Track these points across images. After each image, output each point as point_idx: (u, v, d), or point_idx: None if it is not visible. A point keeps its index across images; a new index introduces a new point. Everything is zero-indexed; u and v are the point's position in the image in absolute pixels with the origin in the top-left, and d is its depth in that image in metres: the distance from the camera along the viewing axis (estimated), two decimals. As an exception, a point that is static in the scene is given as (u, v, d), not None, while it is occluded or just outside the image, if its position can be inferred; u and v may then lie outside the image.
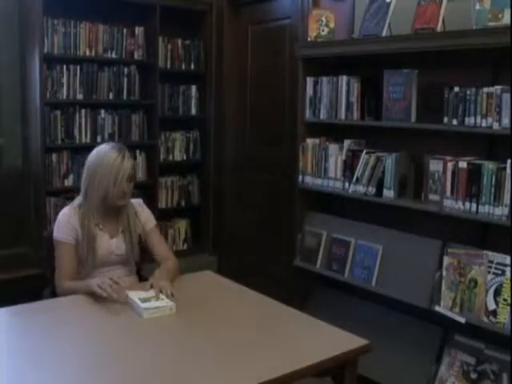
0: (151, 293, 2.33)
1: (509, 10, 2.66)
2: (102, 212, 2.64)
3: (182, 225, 5.07)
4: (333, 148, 3.54)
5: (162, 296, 2.30)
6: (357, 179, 3.35)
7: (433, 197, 3.04)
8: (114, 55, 4.59)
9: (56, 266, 2.62)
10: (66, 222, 2.61)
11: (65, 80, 4.37)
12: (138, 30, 4.70)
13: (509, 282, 2.71)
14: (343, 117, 3.46)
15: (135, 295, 2.29)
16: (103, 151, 2.64)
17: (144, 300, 2.25)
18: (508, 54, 2.67)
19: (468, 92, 2.83)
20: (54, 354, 1.88)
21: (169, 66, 4.89)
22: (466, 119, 2.84)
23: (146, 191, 4.82)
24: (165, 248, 2.80)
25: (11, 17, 4.37)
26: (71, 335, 2.03)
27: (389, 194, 3.20)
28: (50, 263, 2.69)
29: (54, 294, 2.68)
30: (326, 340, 2.07)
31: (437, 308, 2.97)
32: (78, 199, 2.69)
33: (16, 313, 2.24)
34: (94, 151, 2.68)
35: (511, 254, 2.71)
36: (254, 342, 2.02)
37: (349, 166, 3.42)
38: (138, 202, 2.82)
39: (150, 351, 1.91)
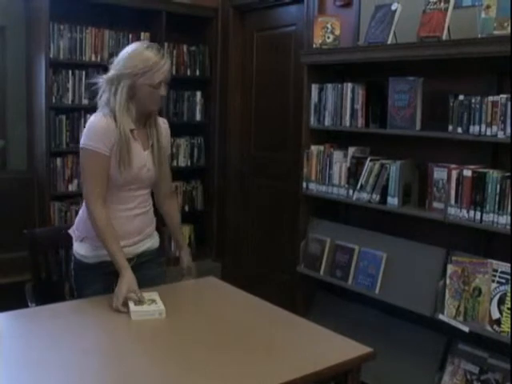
0: (153, 295, 2.33)
1: (515, 19, 2.66)
2: (134, 120, 2.40)
3: (186, 230, 5.06)
4: (337, 155, 3.54)
5: (158, 300, 2.29)
6: (361, 186, 3.35)
7: (437, 205, 3.04)
8: (119, 61, 4.59)
9: (87, 181, 2.38)
10: (104, 130, 2.32)
11: (70, 85, 4.38)
12: (144, 36, 4.71)
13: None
14: (348, 124, 3.46)
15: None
16: (139, 50, 2.36)
17: (138, 303, 2.26)
18: (513, 63, 2.67)
19: (473, 100, 2.83)
20: (53, 359, 1.88)
21: (174, 72, 4.89)
22: (471, 127, 2.84)
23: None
24: (171, 183, 2.73)
25: (18, 22, 4.40)
26: (71, 341, 2.02)
27: (393, 201, 3.20)
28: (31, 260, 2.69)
29: (34, 289, 2.68)
30: (329, 347, 2.06)
31: (440, 316, 2.96)
32: (103, 107, 2.40)
33: (18, 318, 2.24)
34: (126, 51, 2.40)
35: (511, 261, 2.72)
36: (255, 348, 2.02)
37: (353, 173, 3.41)
38: (163, 120, 2.60)
39: (138, 356, 1.90)
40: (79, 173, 4.45)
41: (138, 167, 2.40)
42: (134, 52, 2.38)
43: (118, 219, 2.43)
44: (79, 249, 2.50)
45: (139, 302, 2.27)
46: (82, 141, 2.38)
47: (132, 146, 2.37)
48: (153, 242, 2.63)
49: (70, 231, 2.58)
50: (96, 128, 2.35)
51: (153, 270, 2.60)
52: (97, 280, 2.46)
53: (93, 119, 2.38)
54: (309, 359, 1.94)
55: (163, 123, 2.58)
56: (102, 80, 2.44)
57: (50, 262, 2.85)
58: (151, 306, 2.26)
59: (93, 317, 2.24)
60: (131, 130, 2.38)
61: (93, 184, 2.35)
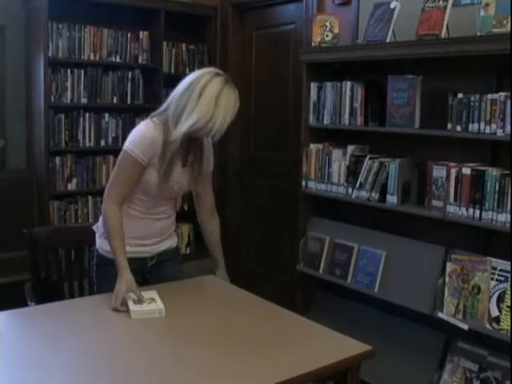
0: (151, 294, 2.33)
1: (513, 17, 2.66)
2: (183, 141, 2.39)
3: (185, 229, 5.06)
4: (336, 153, 3.54)
5: (157, 299, 2.29)
6: (360, 185, 3.35)
7: (436, 203, 3.04)
8: (118, 59, 4.60)
9: (114, 180, 2.41)
10: (149, 141, 2.33)
11: (69, 84, 4.38)
12: (143, 35, 4.71)
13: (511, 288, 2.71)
14: (347, 122, 3.46)
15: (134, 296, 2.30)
16: (205, 80, 2.28)
17: (137, 302, 2.26)
18: (512, 61, 2.67)
19: (472, 98, 2.83)
20: (52, 358, 1.88)
21: (173, 71, 4.90)
22: (470, 125, 2.84)
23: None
24: (212, 199, 2.72)
25: (17, 21, 4.39)
26: (70, 340, 2.02)
27: (392, 199, 3.20)
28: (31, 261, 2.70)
29: (34, 288, 2.68)
30: (328, 345, 2.06)
31: (440, 314, 2.96)
32: (162, 115, 2.39)
33: (17, 317, 2.24)
34: (194, 78, 2.31)
35: (511, 260, 2.72)
36: (255, 346, 2.02)
37: (352, 172, 3.41)
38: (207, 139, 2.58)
39: (137, 355, 1.90)
40: (78, 172, 4.47)
41: (173, 182, 2.44)
42: (206, 84, 2.29)
43: (141, 221, 2.51)
44: (103, 244, 2.52)
45: (138, 301, 2.27)
46: (126, 143, 2.39)
47: (173, 162, 2.41)
48: (171, 242, 2.68)
49: (94, 227, 2.63)
50: (142, 137, 2.36)
51: (172, 267, 2.66)
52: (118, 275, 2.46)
53: (143, 127, 2.39)
54: (308, 357, 1.94)
55: (207, 141, 2.56)
56: (177, 92, 2.36)
57: (49, 261, 2.85)
58: (151, 305, 2.26)
59: (92, 316, 2.24)
60: (176, 150, 2.39)
61: (118, 185, 2.41)
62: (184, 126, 2.28)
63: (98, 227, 2.59)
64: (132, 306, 2.23)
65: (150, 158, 2.36)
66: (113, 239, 2.38)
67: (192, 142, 2.44)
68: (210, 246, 2.77)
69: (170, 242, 2.67)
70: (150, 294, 2.34)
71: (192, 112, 2.27)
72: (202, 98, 2.27)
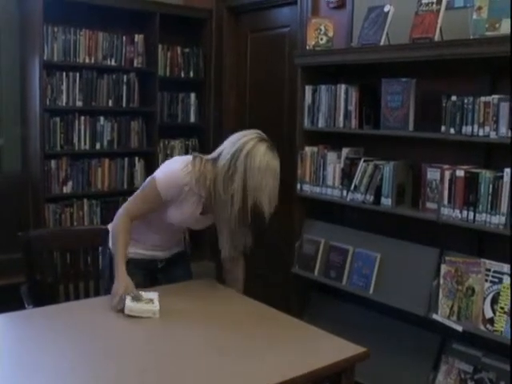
0: (152, 295, 2.34)
1: (507, 20, 2.67)
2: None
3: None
4: (331, 156, 3.55)
5: (155, 301, 2.30)
6: (355, 187, 3.36)
7: (430, 205, 3.05)
8: (113, 62, 4.61)
9: (134, 199, 2.50)
10: (176, 184, 2.38)
11: (64, 87, 4.39)
12: (138, 38, 4.72)
13: (506, 290, 2.71)
14: (341, 125, 3.47)
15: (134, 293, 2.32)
16: (260, 157, 2.30)
17: (134, 299, 2.27)
18: (505, 63, 2.68)
19: (465, 101, 2.84)
20: (47, 361, 1.88)
21: (168, 74, 4.91)
22: (464, 128, 2.85)
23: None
24: (238, 247, 2.62)
25: (12, 24, 4.40)
26: (66, 343, 2.03)
27: (387, 202, 3.21)
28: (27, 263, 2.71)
29: (30, 291, 2.69)
30: (323, 347, 2.07)
31: (434, 316, 2.97)
32: (202, 159, 2.43)
33: (12, 320, 2.24)
34: (249, 144, 2.33)
35: (511, 263, 2.72)
36: (249, 348, 2.03)
37: (347, 174, 3.42)
38: None
39: (133, 358, 1.91)
40: (73, 175, 4.47)
41: (191, 214, 2.49)
42: (251, 150, 2.32)
43: (155, 236, 2.62)
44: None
45: (137, 299, 2.27)
46: (159, 172, 2.45)
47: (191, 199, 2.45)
48: (180, 247, 2.80)
49: (109, 226, 2.68)
50: (174, 177, 2.39)
51: (180, 269, 2.77)
52: (134, 273, 2.49)
53: (179, 166, 2.40)
54: (303, 359, 1.95)
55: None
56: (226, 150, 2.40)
57: (44, 263, 2.85)
58: (147, 305, 2.26)
59: (88, 318, 2.24)
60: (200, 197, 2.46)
61: (136, 206, 2.49)
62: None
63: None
64: (128, 302, 2.24)
65: (172, 197, 2.42)
66: (117, 244, 2.46)
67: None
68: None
69: (180, 247, 2.80)
70: (150, 295, 2.35)
71: (238, 190, 2.29)
72: (248, 173, 2.28)
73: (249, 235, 2.58)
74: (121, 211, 2.52)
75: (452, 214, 2.91)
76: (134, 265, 2.55)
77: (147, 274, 2.66)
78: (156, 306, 2.27)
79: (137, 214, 2.50)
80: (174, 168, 2.42)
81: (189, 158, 2.46)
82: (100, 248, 2.92)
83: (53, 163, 4.38)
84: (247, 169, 2.28)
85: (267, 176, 2.29)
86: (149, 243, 2.64)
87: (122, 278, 2.35)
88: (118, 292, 2.30)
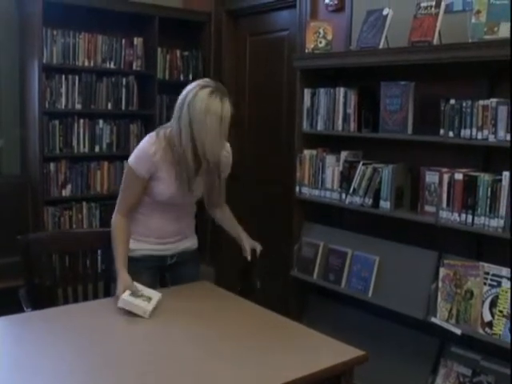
0: (154, 295, 2.37)
1: (505, 24, 2.68)
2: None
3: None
4: (330, 159, 3.55)
5: (153, 301, 2.32)
6: (354, 190, 3.36)
7: (429, 208, 3.05)
8: (112, 65, 4.62)
9: (120, 193, 2.58)
10: (148, 156, 2.44)
11: (63, 90, 4.40)
12: (137, 41, 4.73)
13: (505, 293, 2.71)
14: (340, 128, 3.48)
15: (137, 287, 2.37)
16: (201, 102, 2.35)
17: (133, 294, 2.30)
18: (504, 67, 2.69)
19: (464, 104, 2.84)
20: (46, 364, 1.88)
21: (167, 77, 4.91)
22: (462, 131, 2.85)
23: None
24: (222, 198, 2.81)
25: (11, 27, 4.40)
26: (64, 346, 2.03)
27: (385, 205, 3.21)
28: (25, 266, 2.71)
29: (28, 294, 2.69)
30: (321, 350, 2.07)
31: (433, 319, 2.97)
32: (166, 129, 2.49)
33: (11, 323, 2.24)
34: (191, 93, 2.38)
35: (511, 266, 2.72)
36: (248, 352, 2.03)
37: (346, 177, 3.42)
38: (227, 147, 2.70)
39: (131, 361, 1.91)
40: (73, 178, 4.48)
41: (176, 190, 2.52)
42: (192, 99, 2.37)
43: (158, 222, 2.62)
44: None
45: (135, 294, 2.30)
46: (130, 157, 2.52)
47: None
48: (192, 242, 2.80)
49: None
50: (143, 152, 2.48)
51: (190, 269, 2.79)
52: (142, 273, 2.55)
53: (145, 142, 2.50)
54: (302, 362, 1.95)
55: (226, 152, 2.71)
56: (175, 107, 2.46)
57: (43, 266, 2.85)
58: (142, 303, 2.28)
59: (87, 322, 2.24)
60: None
61: (123, 198, 2.56)
62: (184, 148, 2.40)
63: None
64: (124, 295, 2.28)
65: (151, 172, 2.47)
66: (116, 245, 2.51)
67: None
68: (230, 229, 2.89)
69: (191, 242, 2.79)
70: (152, 293, 2.37)
71: (187, 135, 2.38)
72: (192, 120, 2.36)
73: (222, 187, 2.74)
74: (115, 213, 2.58)
75: (450, 217, 2.91)
76: (142, 263, 2.60)
77: (156, 273, 2.69)
78: (150, 305, 2.28)
79: (127, 205, 2.55)
80: (141, 145, 2.51)
81: (153, 132, 2.54)
82: (99, 251, 2.92)
83: (52, 166, 4.38)
84: (191, 117, 2.36)
85: (208, 119, 2.34)
86: (155, 235, 2.63)
87: (122, 277, 2.39)
88: (119, 292, 2.33)
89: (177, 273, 2.75)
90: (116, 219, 2.56)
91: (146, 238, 2.63)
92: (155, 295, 2.37)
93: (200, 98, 2.36)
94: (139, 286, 2.39)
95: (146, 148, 2.47)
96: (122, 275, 2.41)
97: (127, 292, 2.31)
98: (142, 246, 2.62)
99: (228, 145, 2.70)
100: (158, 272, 2.71)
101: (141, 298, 2.31)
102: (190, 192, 2.55)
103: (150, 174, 2.48)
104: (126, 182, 2.56)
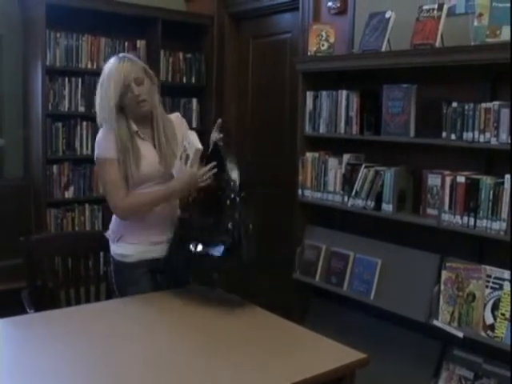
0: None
1: (507, 27, 2.68)
2: (138, 123, 2.57)
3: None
4: (332, 162, 3.56)
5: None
6: (356, 193, 3.36)
7: (431, 211, 3.05)
8: (115, 68, 4.61)
9: (108, 190, 2.54)
10: (105, 138, 2.53)
11: (66, 92, 4.40)
12: (140, 44, 4.74)
13: (507, 296, 2.71)
14: (342, 131, 3.48)
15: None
16: (106, 64, 2.58)
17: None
18: (506, 70, 2.69)
19: (466, 107, 2.84)
20: (47, 366, 1.88)
21: (170, 79, 4.92)
22: (465, 134, 2.85)
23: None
24: None
25: (15, 29, 4.41)
26: (69, 347, 2.03)
27: (387, 207, 3.21)
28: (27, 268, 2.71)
29: (31, 295, 2.69)
30: (323, 353, 2.07)
31: (435, 322, 2.97)
32: (104, 125, 2.58)
33: (13, 324, 2.24)
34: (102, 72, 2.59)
35: (511, 269, 2.72)
36: (250, 354, 2.02)
37: (348, 180, 3.43)
38: (176, 115, 2.79)
39: (132, 363, 1.91)
40: (75, 180, 4.48)
41: (149, 164, 2.53)
42: (104, 69, 2.58)
43: (147, 217, 2.58)
44: (117, 249, 2.63)
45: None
46: (95, 155, 2.56)
47: (140, 146, 2.53)
48: None
49: (106, 234, 2.71)
50: (98, 138, 2.57)
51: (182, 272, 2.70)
52: (138, 279, 2.58)
53: (99, 136, 2.58)
54: (303, 365, 1.95)
55: (176, 117, 2.74)
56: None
57: (45, 268, 2.86)
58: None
59: (88, 324, 2.25)
60: (136, 132, 2.54)
61: (117, 187, 2.51)
62: (109, 107, 2.50)
63: (110, 234, 2.68)
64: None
65: (115, 149, 2.49)
66: (150, 196, 2.53)
67: (153, 124, 2.60)
68: None
69: None
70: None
71: (104, 94, 2.52)
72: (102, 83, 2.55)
73: None
74: (116, 205, 2.53)
75: (453, 219, 2.91)
76: (139, 269, 2.59)
77: (154, 278, 2.63)
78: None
79: (121, 189, 2.50)
80: (97, 139, 2.59)
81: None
82: (102, 253, 2.93)
83: (55, 168, 4.39)
84: (103, 80, 2.55)
85: (114, 72, 2.50)
86: (146, 233, 2.59)
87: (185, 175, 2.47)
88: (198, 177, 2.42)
89: (169, 276, 2.68)
90: (126, 202, 2.51)
91: (139, 239, 2.59)
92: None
93: (105, 65, 2.59)
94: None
95: (99, 134, 2.58)
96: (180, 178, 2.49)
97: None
98: (135, 250, 2.59)
99: (177, 113, 2.83)
100: (150, 274, 2.63)
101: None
102: (166, 162, 2.56)
103: (121, 157, 2.49)
104: (103, 176, 2.56)
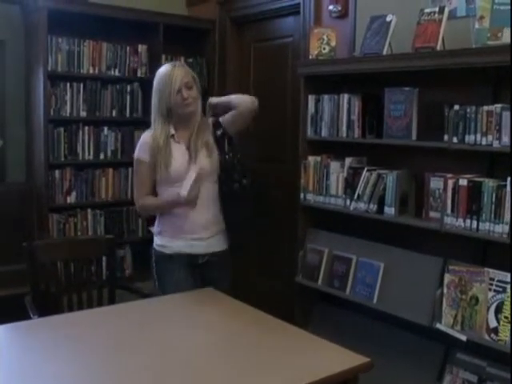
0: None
1: (508, 29, 2.68)
2: (177, 127, 2.82)
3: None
4: (334, 165, 3.55)
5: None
6: (358, 196, 3.36)
7: (433, 214, 3.05)
8: (117, 73, 4.63)
9: (135, 185, 2.92)
10: (143, 141, 2.83)
11: (68, 97, 4.41)
12: (141, 48, 4.74)
13: (510, 299, 2.71)
14: (344, 134, 3.48)
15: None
16: (158, 70, 2.84)
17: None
18: (508, 72, 2.69)
19: (468, 110, 2.84)
20: (49, 371, 1.88)
21: (172, 84, 4.91)
22: (467, 137, 2.85)
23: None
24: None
25: (16, 35, 4.43)
26: (72, 352, 2.03)
27: (390, 211, 3.21)
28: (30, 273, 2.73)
29: (34, 301, 2.69)
30: (326, 357, 2.07)
31: (438, 325, 2.96)
32: (153, 126, 2.84)
33: (16, 330, 2.24)
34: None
35: (511, 271, 2.72)
36: (252, 358, 2.02)
37: (350, 184, 3.42)
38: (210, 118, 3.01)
39: (134, 368, 1.91)
40: (77, 185, 4.49)
41: (178, 166, 2.76)
42: (156, 75, 2.83)
43: (184, 214, 2.80)
44: (158, 241, 2.89)
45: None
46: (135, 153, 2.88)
47: (173, 148, 2.78)
48: (223, 242, 2.95)
49: (151, 228, 3.01)
50: (140, 140, 2.87)
51: (220, 271, 2.95)
52: (176, 269, 2.80)
53: (142, 136, 2.88)
54: (306, 369, 1.94)
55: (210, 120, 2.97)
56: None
57: (48, 274, 2.86)
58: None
59: (90, 329, 2.25)
60: (172, 135, 2.80)
61: (140, 187, 2.85)
62: (158, 110, 2.79)
63: (154, 227, 2.93)
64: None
65: (150, 153, 2.77)
66: (163, 201, 2.81)
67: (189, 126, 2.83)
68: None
69: (222, 242, 2.94)
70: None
71: (155, 98, 2.81)
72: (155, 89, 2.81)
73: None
74: (137, 202, 2.86)
75: (455, 222, 2.91)
76: (175, 260, 2.81)
77: (189, 271, 2.82)
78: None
79: (146, 189, 2.82)
80: (141, 137, 2.90)
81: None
82: (104, 258, 2.94)
83: (57, 173, 4.40)
84: (155, 86, 2.82)
85: (163, 79, 2.77)
86: (182, 231, 2.81)
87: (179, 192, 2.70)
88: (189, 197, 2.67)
89: (207, 273, 2.89)
90: (142, 201, 2.84)
91: (177, 235, 2.82)
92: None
93: (157, 71, 2.85)
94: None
95: (142, 137, 2.87)
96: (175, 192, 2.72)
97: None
98: (174, 244, 2.82)
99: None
100: (190, 269, 2.83)
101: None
102: (194, 162, 2.77)
103: (153, 158, 2.77)
104: (136, 174, 2.87)
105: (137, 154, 2.84)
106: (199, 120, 2.86)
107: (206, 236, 2.85)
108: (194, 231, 2.82)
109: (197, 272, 2.87)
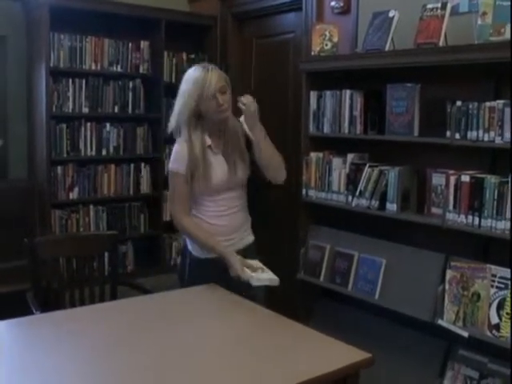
0: (257, 263, 2.65)
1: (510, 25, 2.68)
2: (211, 135, 2.69)
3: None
4: (336, 162, 3.55)
5: (265, 269, 2.63)
6: (360, 193, 3.36)
7: (435, 210, 3.05)
8: (119, 69, 4.64)
9: (170, 197, 2.76)
10: (179, 152, 2.66)
11: (70, 93, 4.42)
12: (144, 44, 4.74)
13: (511, 295, 2.71)
14: (346, 131, 3.47)
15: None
16: (188, 72, 2.68)
17: (250, 268, 2.58)
18: (510, 69, 2.68)
19: (470, 106, 2.84)
20: (52, 367, 1.88)
21: (173, 80, 4.91)
22: (469, 133, 2.85)
23: (151, 204, 4.85)
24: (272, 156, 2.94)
25: (18, 31, 4.43)
26: (74, 348, 2.03)
27: (392, 207, 3.21)
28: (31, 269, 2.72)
29: (36, 297, 2.69)
30: (328, 353, 2.07)
31: (440, 322, 2.96)
32: (182, 135, 2.69)
33: (18, 325, 2.25)
34: (183, 79, 2.71)
35: (511, 267, 2.72)
36: (254, 354, 2.02)
37: (352, 180, 3.42)
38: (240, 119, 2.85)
39: (136, 363, 1.91)
40: (80, 181, 4.49)
41: (218, 177, 2.67)
42: (187, 77, 2.67)
43: (219, 219, 2.74)
44: (189, 244, 2.80)
45: (253, 269, 2.57)
46: (169, 164, 2.74)
47: (211, 160, 2.66)
48: (250, 237, 2.95)
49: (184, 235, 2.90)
50: (174, 151, 2.70)
51: None
52: (212, 273, 2.71)
53: (175, 148, 2.71)
54: (308, 365, 1.94)
55: (238, 121, 2.82)
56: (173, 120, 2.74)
57: (50, 270, 2.86)
58: (266, 275, 2.59)
59: (92, 325, 2.25)
60: (209, 146, 2.67)
61: (177, 201, 2.70)
62: (189, 120, 2.63)
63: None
64: (251, 274, 2.54)
65: (186, 165, 2.62)
66: (201, 238, 2.68)
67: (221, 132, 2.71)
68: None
69: (250, 238, 2.94)
70: (256, 263, 2.63)
71: (185, 102, 2.63)
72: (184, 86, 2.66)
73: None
74: (177, 218, 2.71)
75: (457, 219, 2.91)
76: (208, 266, 2.73)
77: (219, 271, 2.70)
78: (271, 273, 2.59)
79: (185, 206, 2.69)
80: (173, 151, 2.72)
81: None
82: (106, 254, 2.94)
83: (59, 169, 4.40)
84: (184, 91, 2.65)
85: (201, 80, 2.59)
86: (222, 234, 2.74)
87: (233, 260, 2.59)
88: (237, 270, 2.56)
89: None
90: (185, 222, 2.69)
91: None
92: (258, 263, 2.65)
93: (186, 73, 2.70)
94: (245, 260, 2.61)
95: (175, 147, 2.70)
96: (233, 258, 2.59)
97: (247, 269, 2.54)
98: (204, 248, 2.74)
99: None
100: (221, 269, 2.71)
101: (259, 269, 2.57)
102: (233, 172, 2.70)
103: (190, 169, 2.62)
104: (172, 187, 2.71)
105: (173, 166, 2.68)
106: (232, 124, 2.75)
107: (233, 238, 2.81)
108: (228, 234, 2.77)
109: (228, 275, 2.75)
